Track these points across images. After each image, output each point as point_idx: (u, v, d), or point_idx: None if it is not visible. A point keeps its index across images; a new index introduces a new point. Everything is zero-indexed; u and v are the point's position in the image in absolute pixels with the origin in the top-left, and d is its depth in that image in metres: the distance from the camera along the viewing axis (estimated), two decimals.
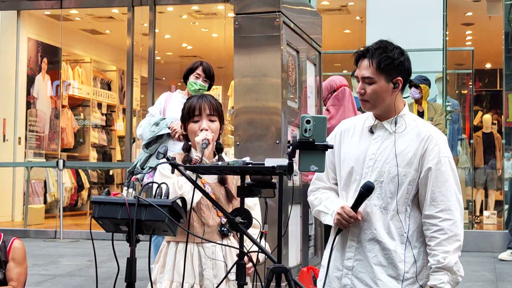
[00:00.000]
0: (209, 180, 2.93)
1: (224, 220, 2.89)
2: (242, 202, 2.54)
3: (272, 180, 2.53)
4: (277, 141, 4.27)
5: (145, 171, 5.67)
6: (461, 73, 11.93)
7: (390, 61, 2.79)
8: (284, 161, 2.38)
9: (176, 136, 5.38)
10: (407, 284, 2.77)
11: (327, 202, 2.92)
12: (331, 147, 2.48)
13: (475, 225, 9.86)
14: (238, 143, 4.37)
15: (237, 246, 2.85)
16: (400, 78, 2.81)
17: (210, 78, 5.47)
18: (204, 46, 13.67)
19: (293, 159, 2.39)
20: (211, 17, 12.26)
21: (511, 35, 9.65)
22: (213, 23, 12.70)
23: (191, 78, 5.41)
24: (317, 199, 2.98)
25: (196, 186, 2.65)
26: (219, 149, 3.03)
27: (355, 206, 2.77)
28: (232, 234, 2.95)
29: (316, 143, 2.43)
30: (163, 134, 5.48)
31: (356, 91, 2.88)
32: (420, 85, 7.87)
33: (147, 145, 5.66)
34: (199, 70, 5.43)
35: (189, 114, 2.98)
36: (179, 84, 14.85)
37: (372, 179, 2.79)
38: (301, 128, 2.45)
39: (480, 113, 12.69)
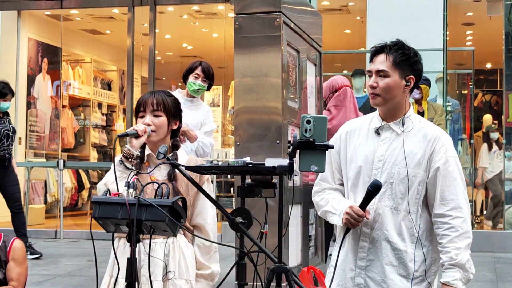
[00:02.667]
0: (159, 177, 2.92)
1: None
2: (242, 202, 2.54)
3: (273, 180, 2.53)
4: (278, 141, 4.27)
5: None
6: (462, 73, 11.94)
7: (406, 58, 2.86)
8: (284, 161, 2.38)
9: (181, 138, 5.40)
10: (416, 282, 2.84)
11: (334, 202, 2.94)
12: (331, 147, 2.48)
13: (475, 225, 9.86)
14: (238, 143, 4.37)
15: (186, 243, 2.90)
16: (413, 76, 2.87)
17: (209, 78, 5.46)
18: (205, 46, 13.67)
19: (293, 159, 2.40)
20: (212, 17, 12.26)
21: (511, 35, 9.64)
22: (213, 23, 12.70)
23: (190, 78, 5.40)
24: (323, 199, 3.00)
25: (196, 186, 2.65)
26: (175, 146, 3.02)
27: (363, 205, 2.80)
28: (182, 232, 2.92)
29: (316, 143, 2.43)
30: None
31: (368, 84, 2.90)
32: (421, 85, 7.88)
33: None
34: (198, 70, 5.43)
35: (136, 111, 3.00)
36: (179, 84, 14.84)
37: (382, 180, 2.82)
38: (301, 128, 2.45)
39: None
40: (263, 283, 2.47)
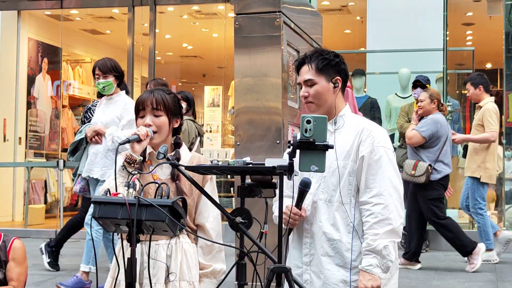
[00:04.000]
0: (162, 176, 2.91)
1: None
2: (242, 202, 2.54)
3: (273, 180, 2.53)
4: (278, 141, 4.27)
5: (75, 179, 5.76)
6: (462, 73, 11.93)
7: (327, 62, 2.98)
8: (284, 161, 2.38)
9: (93, 139, 5.54)
10: (355, 272, 2.87)
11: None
12: (331, 147, 2.50)
13: (476, 225, 9.83)
14: (238, 143, 4.37)
15: (189, 244, 2.88)
16: (339, 77, 2.99)
17: (109, 70, 5.57)
18: (205, 46, 13.67)
19: (293, 159, 2.40)
20: (212, 17, 12.25)
21: (511, 35, 9.64)
22: (213, 23, 12.70)
23: (95, 81, 5.58)
24: (275, 207, 3.06)
25: (196, 186, 2.65)
26: (177, 144, 2.99)
27: (298, 203, 2.87)
28: (181, 233, 2.89)
29: (316, 143, 2.43)
30: (82, 140, 5.61)
31: (300, 95, 3.04)
32: (427, 85, 7.88)
33: (73, 152, 5.72)
34: (96, 71, 5.59)
35: (136, 110, 2.97)
36: (180, 84, 14.86)
37: (318, 176, 2.92)
38: (301, 128, 2.45)
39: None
40: (263, 283, 2.47)
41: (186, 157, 2.98)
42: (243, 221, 2.50)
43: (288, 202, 3.01)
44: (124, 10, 10.85)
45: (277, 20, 4.32)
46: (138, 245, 2.75)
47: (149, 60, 10.60)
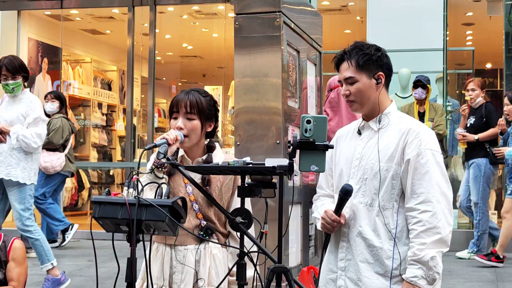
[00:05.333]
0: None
1: (204, 223, 2.80)
2: (242, 202, 2.54)
3: (273, 180, 2.53)
4: (278, 141, 4.27)
5: None
6: (462, 73, 11.93)
7: (368, 58, 2.82)
8: (284, 161, 2.38)
9: None
10: (395, 281, 2.74)
11: (320, 209, 2.94)
12: (332, 147, 2.49)
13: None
14: (238, 143, 4.37)
15: (219, 249, 2.84)
16: (381, 73, 2.84)
17: (17, 71, 5.46)
18: (205, 46, 13.68)
19: (293, 159, 2.40)
20: (212, 17, 12.26)
21: (511, 35, 9.64)
22: (213, 23, 12.70)
23: (2, 81, 5.47)
24: (315, 207, 3.02)
25: (196, 186, 2.66)
26: (210, 147, 2.92)
27: (337, 209, 2.77)
28: (210, 238, 2.82)
29: (316, 143, 2.43)
30: None
31: (342, 94, 2.91)
32: (428, 85, 7.89)
33: None
34: (4, 71, 5.47)
35: (170, 111, 2.89)
36: (180, 84, 14.86)
37: (358, 178, 2.81)
38: (301, 128, 2.45)
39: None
40: (263, 283, 2.47)
41: (219, 161, 2.85)
42: (243, 221, 2.50)
43: (325, 201, 2.97)
44: (124, 10, 10.85)
45: (277, 20, 4.32)
46: (168, 249, 2.80)
47: (149, 60, 10.60)
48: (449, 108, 9.14)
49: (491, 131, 7.54)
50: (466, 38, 13.02)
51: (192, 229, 2.79)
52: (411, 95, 8.25)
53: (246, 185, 2.52)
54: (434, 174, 2.72)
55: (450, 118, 9.08)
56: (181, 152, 2.88)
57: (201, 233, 2.80)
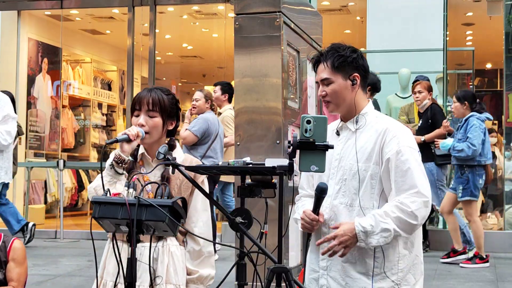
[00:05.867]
0: (152, 178, 2.83)
1: None
2: (242, 202, 2.54)
3: (273, 180, 2.53)
4: (278, 141, 4.27)
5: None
6: (462, 73, 11.93)
7: (343, 59, 2.87)
8: (284, 161, 2.39)
9: None
10: (377, 280, 2.78)
11: (300, 209, 2.96)
12: (332, 147, 2.49)
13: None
14: (238, 143, 4.37)
15: (177, 247, 2.84)
16: (356, 74, 2.88)
17: None
18: (205, 46, 13.67)
19: (293, 159, 2.40)
20: (212, 17, 12.26)
21: (511, 35, 9.64)
22: (213, 23, 12.70)
23: None
24: (296, 207, 3.04)
25: (195, 185, 2.65)
26: (171, 146, 2.91)
27: (315, 208, 2.79)
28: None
29: (316, 143, 2.44)
30: None
31: (318, 94, 2.95)
32: None
33: None
34: None
35: (132, 108, 2.90)
36: (180, 84, 14.86)
37: (338, 178, 2.84)
38: (301, 128, 2.45)
39: None
40: (263, 283, 2.47)
41: (179, 159, 2.89)
42: (243, 221, 2.50)
43: (305, 202, 2.99)
44: (124, 10, 10.84)
45: (277, 20, 4.32)
46: (125, 246, 2.70)
47: (149, 60, 10.60)
48: (449, 108, 9.14)
49: (436, 132, 7.49)
50: (466, 38, 13.02)
51: None
52: (411, 95, 8.25)
53: (246, 185, 2.52)
54: (414, 170, 2.76)
55: (450, 118, 9.07)
56: (141, 150, 2.90)
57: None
